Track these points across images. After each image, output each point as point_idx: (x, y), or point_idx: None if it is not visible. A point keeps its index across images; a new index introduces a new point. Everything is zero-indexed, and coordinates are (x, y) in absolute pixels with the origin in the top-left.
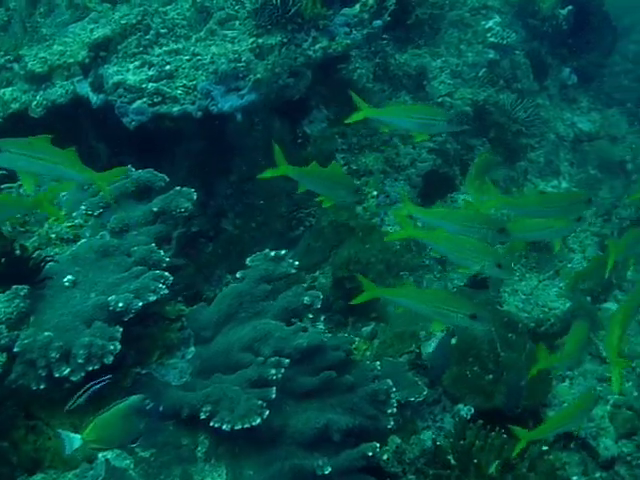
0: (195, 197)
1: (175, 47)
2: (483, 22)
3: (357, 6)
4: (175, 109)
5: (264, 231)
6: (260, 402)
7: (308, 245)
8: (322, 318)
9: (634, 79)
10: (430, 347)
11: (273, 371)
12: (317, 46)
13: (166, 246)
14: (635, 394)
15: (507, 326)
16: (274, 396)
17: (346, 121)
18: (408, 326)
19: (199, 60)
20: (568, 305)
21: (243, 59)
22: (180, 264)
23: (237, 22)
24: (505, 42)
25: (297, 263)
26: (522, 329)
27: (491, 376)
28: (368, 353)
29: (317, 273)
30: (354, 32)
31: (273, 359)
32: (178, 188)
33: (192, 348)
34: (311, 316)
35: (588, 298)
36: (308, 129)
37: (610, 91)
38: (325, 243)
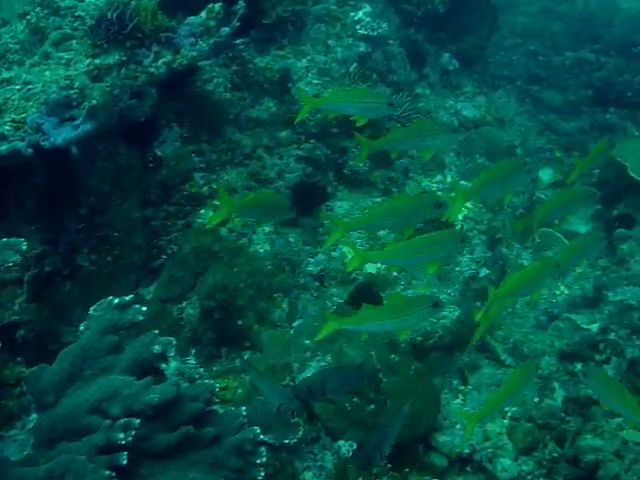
0: (25, 247)
1: (7, 76)
2: (352, 13)
3: (203, 13)
4: (3, 147)
5: (122, 264)
6: (108, 472)
7: (171, 275)
8: (192, 352)
9: (524, 54)
10: None
11: (122, 435)
12: (160, 62)
13: (19, 290)
14: (536, 399)
15: (389, 347)
16: (125, 462)
17: (295, 122)
18: (281, 357)
19: (30, 89)
20: (457, 314)
21: (76, 84)
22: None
23: (74, 42)
24: (376, 33)
25: (144, 309)
26: (405, 349)
27: (372, 406)
28: (240, 391)
29: (184, 304)
30: (200, 42)
31: (122, 421)
32: (5, 240)
33: (34, 415)
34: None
35: (477, 303)
36: (159, 151)
37: (498, 70)
38: (189, 271)
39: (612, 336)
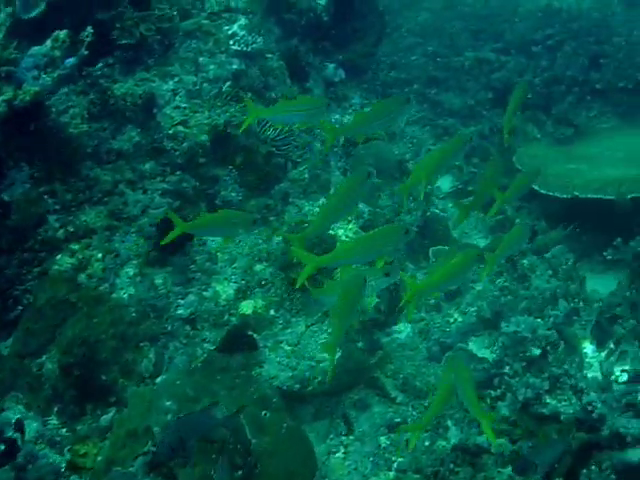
0: None
1: None
2: (226, 27)
3: (48, 42)
4: None
5: None
6: None
7: (27, 328)
8: (55, 410)
9: (423, 54)
10: None
11: None
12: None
13: None
14: (427, 443)
15: (259, 402)
16: None
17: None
18: (143, 419)
19: None
20: (337, 355)
21: None
22: None
23: None
24: (250, 48)
25: None
26: (277, 404)
27: (240, 472)
28: (100, 458)
29: (43, 358)
30: (43, 76)
31: None
32: None
33: None
34: None
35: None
36: (7, 195)
37: (396, 73)
38: (46, 323)
39: (507, 369)
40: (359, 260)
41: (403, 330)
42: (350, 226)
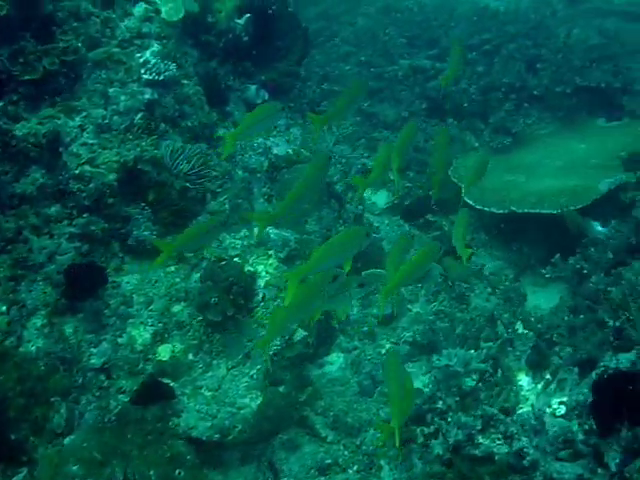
0: None
1: None
2: (138, 55)
3: None
4: None
5: None
6: None
7: None
8: None
9: (357, 64)
10: None
11: None
12: None
13: None
14: None
15: (173, 461)
16: None
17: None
18: None
19: None
20: (258, 402)
21: None
22: None
23: None
24: (163, 77)
25: None
26: (192, 461)
27: None
28: None
29: None
30: None
31: None
32: None
33: None
34: None
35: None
36: None
37: (328, 86)
38: None
39: (440, 404)
40: (329, 265)
41: (336, 361)
42: (270, 261)
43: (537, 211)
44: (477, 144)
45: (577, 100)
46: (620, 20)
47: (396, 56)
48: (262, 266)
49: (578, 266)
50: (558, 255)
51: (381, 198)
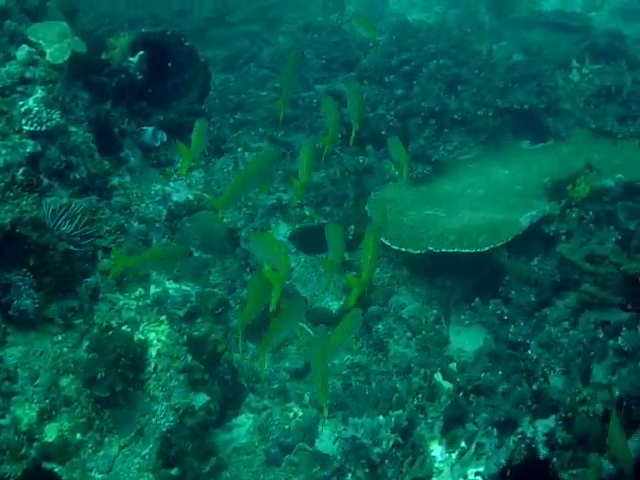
0: None
1: None
2: (21, 102)
3: None
4: None
5: None
6: None
7: None
8: None
9: (273, 88)
10: None
11: None
12: None
13: None
14: None
15: None
16: None
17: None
18: None
19: None
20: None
21: None
22: None
23: None
24: (45, 127)
25: None
26: None
27: None
28: None
29: None
30: None
31: None
32: None
33: None
34: None
35: None
36: None
37: (242, 116)
38: None
39: (349, 477)
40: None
41: (244, 423)
42: (162, 327)
43: (455, 250)
44: (397, 172)
45: (501, 122)
46: (548, 31)
47: (311, 81)
48: (153, 334)
49: (498, 312)
50: (478, 299)
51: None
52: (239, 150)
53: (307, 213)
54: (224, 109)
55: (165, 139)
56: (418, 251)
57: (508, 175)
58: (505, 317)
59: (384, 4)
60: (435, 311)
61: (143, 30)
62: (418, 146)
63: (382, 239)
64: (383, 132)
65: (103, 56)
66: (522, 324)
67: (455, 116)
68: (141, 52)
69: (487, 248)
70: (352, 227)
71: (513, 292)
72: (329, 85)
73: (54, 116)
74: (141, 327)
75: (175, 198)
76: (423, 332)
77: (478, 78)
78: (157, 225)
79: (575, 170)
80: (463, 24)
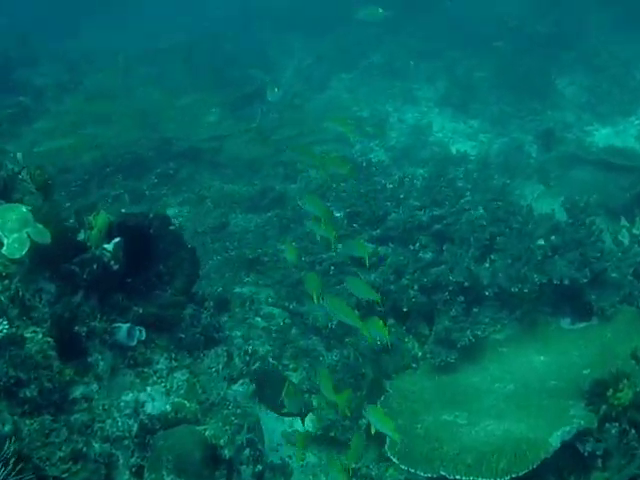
0: None
1: None
2: None
3: None
4: None
5: None
6: None
7: None
8: None
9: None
10: None
11: None
12: None
13: None
14: None
15: None
16: None
17: None
18: None
19: None
20: None
21: None
22: None
23: None
24: None
25: None
26: None
27: None
28: None
29: None
30: None
31: None
32: None
33: None
34: None
35: None
36: None
37: None
38: None
39: None
40: None
41: None
42: None
43: (471, 479)
44: (420, 352)
45: (538, 295)
46: (598, 170)
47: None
48: None
49: None
50: None
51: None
52: (237, 337)
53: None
54: (239, 263)
55: (144, 336)
56: (428, 474)
57: (543, 363)
58: None
59: (429, 131)
60: None
61: (123, 210)
62: (442, 328)
63: (390, 454)
64: (405, 309)
65: (80, 236)
66: None
67: (486, 292)
68: (117, 239)
69: (508, 478)
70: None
71: None
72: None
73: (2, 326)
74: None
75: (149, 409)
76: None
77: (514, 244)
78: (125, 443)
79: (617, 366)
80: (508, 158)
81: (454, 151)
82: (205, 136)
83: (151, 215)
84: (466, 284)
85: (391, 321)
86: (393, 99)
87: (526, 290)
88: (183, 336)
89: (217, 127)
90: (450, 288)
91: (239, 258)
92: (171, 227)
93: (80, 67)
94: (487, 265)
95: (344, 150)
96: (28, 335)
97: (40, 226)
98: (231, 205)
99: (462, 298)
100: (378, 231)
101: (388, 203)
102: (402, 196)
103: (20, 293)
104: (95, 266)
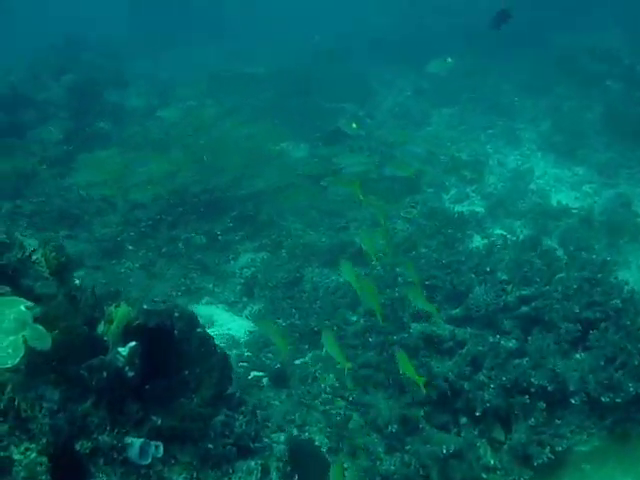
0: None
1: None
2: None
3: None
4: None
5: None
6: None
7: None
8: None
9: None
10: None
11: None
12: None
13: None
14: None
15: None
16: None
17: None
18: None
19: None
20: None
21: None
22: None
23: None
24: None
25: None
26: None
27: None
28: None
29: None
30: None
31: None
32: None
33: None
34: None
35: None
36: None
37: None
38: None
39: None
40: None
41: None
42: None
43: None
44: (493, 462)
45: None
46: None
47: (407, 317)
48: None
49: None
50: None
51: None
52: (276, 447)
53: None
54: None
55: (160, 453)
56: None
57: None
58: None
59: (530, 177)
60: None
61: (145, 307)
62: (519, 441)
63: None
64: (477, 414)
65: (100, 328)
66: None
67: (572, 400)
68: (132, 343)
69: None
70: None
71: None
72: (425, 325)
73: None
74: None
75: None
76: None
77: (609, 339)
78: None
79: None
80: (613, 216)
81: (555, 202)
82: (292, 177)
83: (176, 314)
84: (549, 388)
85: (464, 420)
86: (494, 139)
87: (619, 400)
88: (211, 446)
89: (305, 165)
90: (532, 390)
91: (304, 328)
92: (198, 329)
93: (169, 92)
94: (575, 365)
95: (437, 197)
96: (17, 457)
97: (40, 328)
98: (308, 257)
99: (543, 405)
100: (457, 310)
101: (472, 275)
102: (488, 269)
103: (16, 402)
104: (105, 374)
